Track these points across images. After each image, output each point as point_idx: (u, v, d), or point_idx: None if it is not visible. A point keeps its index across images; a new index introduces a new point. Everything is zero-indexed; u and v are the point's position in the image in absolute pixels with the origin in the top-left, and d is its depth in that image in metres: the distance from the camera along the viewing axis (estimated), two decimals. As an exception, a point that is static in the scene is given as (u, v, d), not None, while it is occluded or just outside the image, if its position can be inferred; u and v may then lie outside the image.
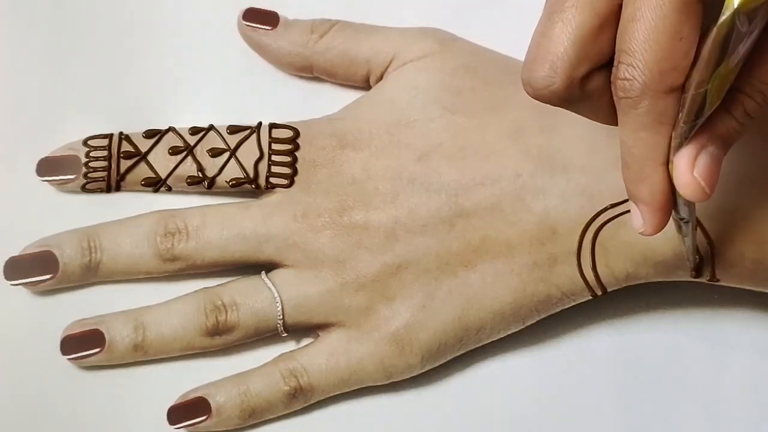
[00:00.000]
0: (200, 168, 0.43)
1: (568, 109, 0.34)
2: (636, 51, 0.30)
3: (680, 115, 0.31)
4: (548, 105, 0.34)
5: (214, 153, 0.43)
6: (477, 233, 0.42)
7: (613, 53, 0.32)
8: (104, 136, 0.44)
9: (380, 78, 0.45)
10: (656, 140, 0.32)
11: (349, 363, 0.42)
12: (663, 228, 0.34)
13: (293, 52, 0.45)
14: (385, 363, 0.42)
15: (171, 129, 0.44)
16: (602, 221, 0.41)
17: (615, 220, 0.41)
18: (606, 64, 0.32)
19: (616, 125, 0.33)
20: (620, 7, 0.31)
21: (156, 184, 0.44)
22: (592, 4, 0.31)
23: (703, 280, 0.41)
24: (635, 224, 0.34)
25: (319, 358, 0.42)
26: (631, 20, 0.30)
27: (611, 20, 0.32)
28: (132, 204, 0.44)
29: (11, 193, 0.44)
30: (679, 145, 0.32)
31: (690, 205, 0.36)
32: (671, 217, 0.35)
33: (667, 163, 0.33)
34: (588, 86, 0.33)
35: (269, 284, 0.42)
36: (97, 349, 0.42)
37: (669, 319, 0.45)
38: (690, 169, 0.32)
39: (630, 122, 0.32)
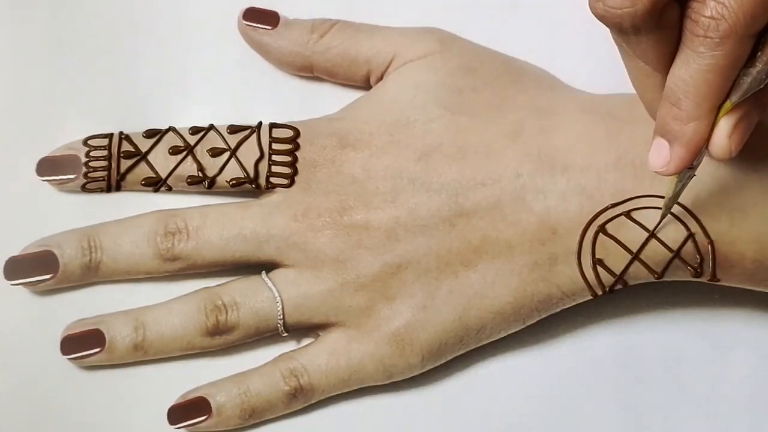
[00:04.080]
0: (200, 168, 0.43)
1: (625, 42, 0.32)
2: None
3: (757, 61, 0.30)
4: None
5: (215, 153, 0.43)
6: (477, 233, 0.42)
7: None
8: (104, 136, 0.44)
9: (380, 78, 0.45)
10: (722, 84, 0.31)
11: (349, 363, 0.42)
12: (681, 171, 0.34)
13: (293, 51, 0.45)
14: (386, 363, 0.42)
15: (171, 129, 0.44)
16: (602, 221, 0.41)
17: (615, 219, 0.41)
18: None
19: (660, 69, 0.32)
20: None
21: (156, 183, 0.44)
22: None
23: (703, 280, 0.41)
24: (658, 162, 0.34)
25: (319, 358, 0.42)
26: None
27: None
28: (132, 204, 0.44)
29: (11, 193, 0.44)
30: (744, 94, 0.31)
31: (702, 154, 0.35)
32: None
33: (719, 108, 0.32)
34: (664, 17, 0.30)
35: (269, 284, 0.42)
36: (97, 349, 0.42)
37: (669, 319, 0.45)
38: (729, 131, 0.32)
39: (702, 62, 0.30)
